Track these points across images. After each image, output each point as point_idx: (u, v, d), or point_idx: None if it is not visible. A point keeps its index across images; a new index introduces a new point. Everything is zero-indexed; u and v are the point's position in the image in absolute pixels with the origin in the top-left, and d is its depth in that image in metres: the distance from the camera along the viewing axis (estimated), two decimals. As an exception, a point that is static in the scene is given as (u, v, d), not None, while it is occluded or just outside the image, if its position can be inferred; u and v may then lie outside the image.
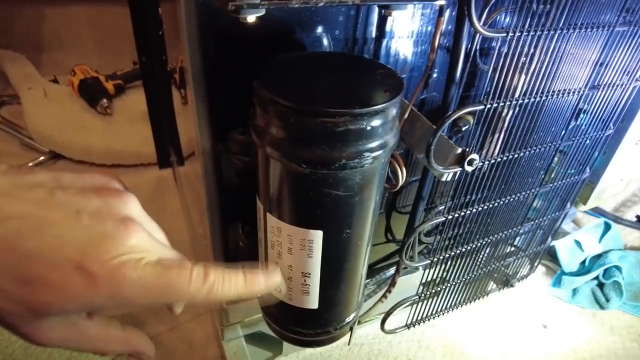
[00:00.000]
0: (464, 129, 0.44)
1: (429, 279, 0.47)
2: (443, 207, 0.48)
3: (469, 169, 0.33)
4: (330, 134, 0.26)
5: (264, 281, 0.29)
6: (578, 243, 0.75)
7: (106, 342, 0.25)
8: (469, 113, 0.36)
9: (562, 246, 0.74)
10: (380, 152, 0.27)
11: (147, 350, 0.27)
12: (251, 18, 0.24)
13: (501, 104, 0.35)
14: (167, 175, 0.90)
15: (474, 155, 0.32)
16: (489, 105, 0.34)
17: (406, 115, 0.35)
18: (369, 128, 0.26)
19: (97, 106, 1.02)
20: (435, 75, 0.43)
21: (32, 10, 1.20)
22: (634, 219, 0.80)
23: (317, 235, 0.29)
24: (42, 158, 0.93)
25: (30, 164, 0.92)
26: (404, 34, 0.39)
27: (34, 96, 1.03)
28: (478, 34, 0.32)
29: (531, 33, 0.31)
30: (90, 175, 0.24)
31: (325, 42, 0.35)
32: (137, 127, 0.97)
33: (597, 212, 0.79)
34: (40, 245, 0.20)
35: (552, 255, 0.75)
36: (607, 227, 0.77)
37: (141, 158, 0.94)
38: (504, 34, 0.30)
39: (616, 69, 0.40)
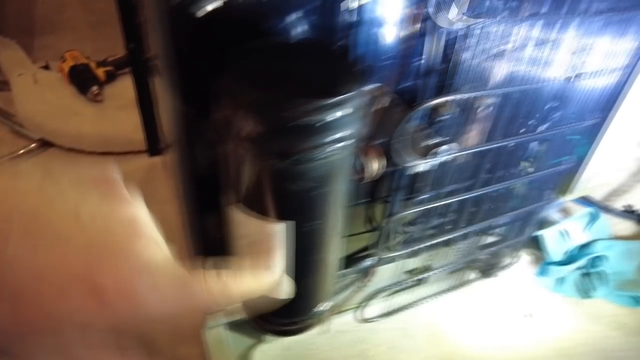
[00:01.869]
0: (443, 118, 0.44)
1: (410, 268, 0.47)
2: (424, 196, 0.48)
3: (437, 160, 0.33)
4: (292, 126, 0.25)
5: (268, 274, 0.26)
6: (565, 232, 0.75)
7: None
8: (443, 103, 0.36)
9: (549, 235, 0.74)
10: (345, 143, 0.27)
11: None
12: (202, 12, 0.24)
13: (479, 93, 0.35)
14: (158, 163, 0.90)
15: (444, 147, 0.32)
16: (466, 95, 0.34)
17: (380, 105, 0.34)
18: (332, 119, 0.26)
19: (87, 93, 1.01)
20: (412, 63, 0.42)
21: (24, -7, 1.18)
22: (622, 209, 0.80)
23: (282, 228, 0.29)
24: (32, 145, 0.93)
25: (22, 152, 0.92)
26: (383, 20, 0.38)
27: (25, 83, 1.02)
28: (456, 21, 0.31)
29: (513, 19, 0.31)
30: (83, 164, 0.21)
31: (300, 28, 0.34)
32: (128, 113, 0.97)
33: (585, 201, 0.78)
34: (33, 251, 0.17)
35: (538, 244, 0.75)
36: (595, 217, 0.77)
37: (132, 145, 0.93)
38: (478, 21, 0.29)
39: (600, 56, 0.40)
